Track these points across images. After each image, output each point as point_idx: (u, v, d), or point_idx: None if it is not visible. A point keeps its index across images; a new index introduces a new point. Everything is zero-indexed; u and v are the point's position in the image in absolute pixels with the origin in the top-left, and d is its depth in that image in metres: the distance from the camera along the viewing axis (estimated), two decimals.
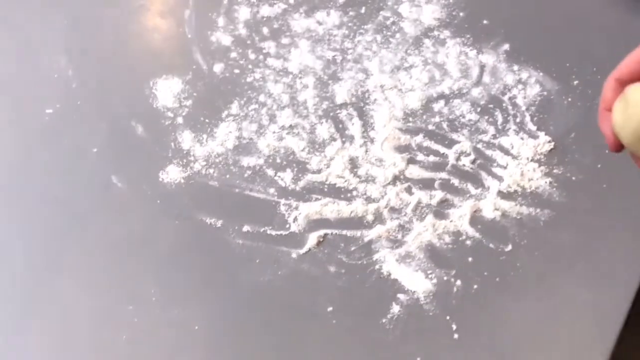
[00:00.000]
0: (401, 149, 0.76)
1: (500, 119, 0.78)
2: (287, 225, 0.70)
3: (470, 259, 0.69)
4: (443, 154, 0.76)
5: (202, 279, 0.67)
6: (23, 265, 0.68)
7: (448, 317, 0.66)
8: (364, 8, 0.85)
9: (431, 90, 0.80)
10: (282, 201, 0.72)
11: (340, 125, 0.77)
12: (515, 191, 0.73)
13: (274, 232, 0.70)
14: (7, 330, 0.64)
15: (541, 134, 0.76)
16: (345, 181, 0.73)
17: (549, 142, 0.76)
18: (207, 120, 0.76)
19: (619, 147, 0.55)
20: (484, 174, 0.74)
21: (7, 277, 0.67)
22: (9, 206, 0.71)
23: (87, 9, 0.84)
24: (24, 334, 0.65)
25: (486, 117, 0.78)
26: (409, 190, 0.73)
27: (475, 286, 0.67)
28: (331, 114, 0.78)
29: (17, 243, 0.69)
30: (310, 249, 0.69)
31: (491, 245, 0.70)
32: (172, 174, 0.73)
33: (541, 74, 0.81)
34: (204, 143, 0.75)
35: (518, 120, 0.78)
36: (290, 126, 0.77)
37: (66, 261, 0.68)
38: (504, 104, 0.79)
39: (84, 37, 0.82)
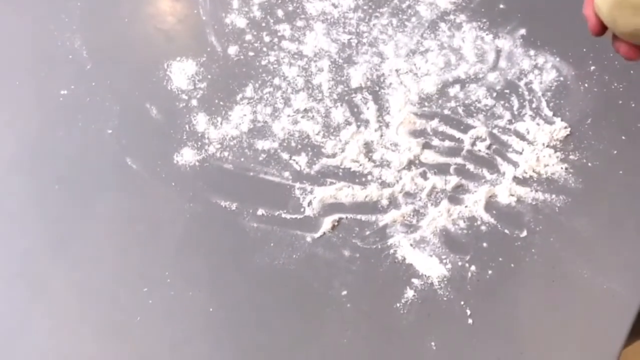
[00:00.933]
0: (416, 133, 0.75)
1: (516, 104, 0.77)
2: (302, 209, 0.70)
3: (485, 244, 0.69)
4: (458, 138, 0.75)
5: (217, 262, 0.67)
6: (38, 245, 0.68)
7: (462, 303, 0.65)
8: None
9: (447, 75, 0.79)
10: (297, 185, 0.72)
11: (356, 109, 0.76)
12: (531, 177, 0.73)
13: (288, 216, 0.70)
14: (21, 310, 0.65)
15: (557, 120, 0.76)
16: (360, 165, 0.73)
17: (565, 127, 0.75)
18: (221, 103, 0.76)
19: (600, 29, 0.56)
20: (499, 160, 0.74)
21: (22, 258, 0.67)
22: (24, 188, 0.71)
23: None
24: (39, 314, 0.65)
25: (502, 102, 0.77)
26: (424, 175, 0.73)
27: (489, 272, 0.67)
28: (346, 97, 0.77)
29: (31, 225, 0.69)
30: (324, 233, 0.69)
31: (506, 231, 0.69)
32: (187, 156, 0.73)
33: (558, 59, 0.80)
34: (219, 126, 0.75)
35: (534, 105, 0.77)
36: (305, 110, 0.76)
37: (80, 242, 0.68)
38: (520, 89, 0.78)
39: (98, 19, 0.81)
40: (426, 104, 0.77)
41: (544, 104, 0.77)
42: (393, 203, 0.71)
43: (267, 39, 0.81)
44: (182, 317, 0.64)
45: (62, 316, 0.65)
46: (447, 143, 0.75)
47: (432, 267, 0.67)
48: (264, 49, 0.80)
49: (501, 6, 0.84)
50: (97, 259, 0.67)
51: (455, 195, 0.72)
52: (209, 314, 0.64)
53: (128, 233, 0.69)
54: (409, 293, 0.66)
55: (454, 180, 0.72)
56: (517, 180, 0.73)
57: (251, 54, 0.80)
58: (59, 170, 0.72)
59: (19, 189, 0.71)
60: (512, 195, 0.72)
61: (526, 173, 0.73)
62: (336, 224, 0.70)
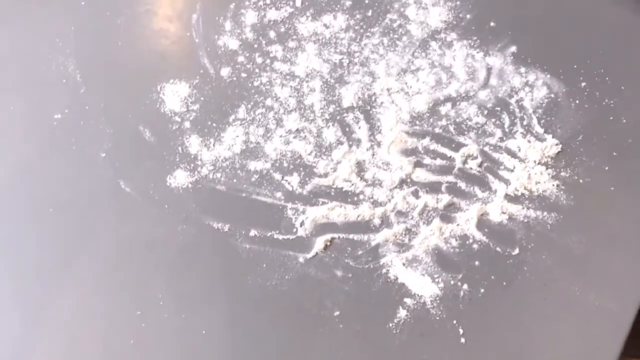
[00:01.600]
0: (408, 152, 0.76)
1: (507, 122, 0.78)
2: (294, 230, 0.70)
3: (477, 262, 0.69)
4: (450, 157, 0.76)
5: (210, 284, 0.67)
6: (31, 269, 0.68)
7: (455, 322, 0.66)
8: (370, 11, 0.85)
9: (438, 93, 0.80)
10: (289, 205, 0.72)
11: (347, 129, 0.77)
12: (523, 194, 0.73)
13: (280, 237, 0.70)
14: (16, 334, 0.65)
15: (548, 137, 0.76)
16: (352, 185, 0.73)
17: (556, 144, 0.76)
18: (214, 125, 0.77)
19: None
20: (491, 177, 0.74)
21: (16, 281, 0.68)
22: (18, 211, 0.71)
23: (94, 14, 0.84)
24: (32, 338, 0.65)
25: (493, 120, 0.78)
26: (415, 194, 0.73)
27: (482, 290, 0.67)
28: (338, 117, 0.78)
29: (25, 247, 0.69)
30: (317, 253, 0.69)
31: (498, 249, 0.70)
32: (180, 178, 0.73)
33: (548, 76, 0.81)
34: (211, 147, 0.75)
35: (525, 123, 0.77)
36: (297, 130, 0.77)
37: (74, 266, 0.68)
38: (511, 107, 0.79)
39: (91, 42, 0.82)
40: (417, 122, 0.78)
41: (535, 121, 0.78)
42: (385, 222, 0.71)
43: (259, 60, 0.82)
44: (175, 339, 0.64)
45: (56, 340, 0.65)
46: (438, 161, 0.75)
47: (424, 287, 0.68)
48: (256, 70, 0.81)
49: (492, 24, 0.85)
50: (91, 283, 0.67)
51: (447, 214, 0.72)
52: (202, 336, 0.65)
53: (121, 256, 0.69)
54: (402, 313, 0.66)
55: (445, 198, 0.73)
56: (508, 197, 0.73)
57: (243, 75, 0.81)
58: (53, 194, 0.72)
59: (13, 212, 0.72)
60: (504, 213, 0.72)
61: (518, 190, 0.73)
62: (328, 243, 0.70)
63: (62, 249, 0.69)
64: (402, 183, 0.74)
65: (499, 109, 0.79)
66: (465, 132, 0.77)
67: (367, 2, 0.86)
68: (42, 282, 0.67)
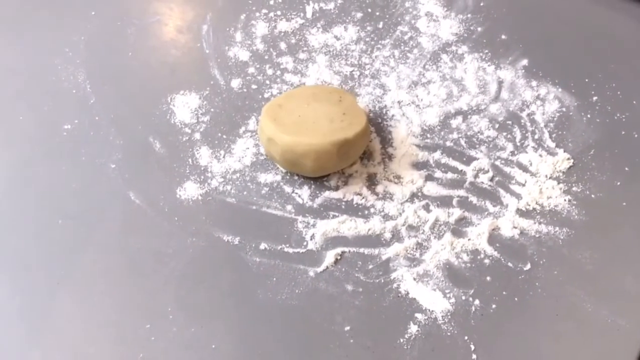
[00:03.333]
0: (419, 165, 0.75)
1: (518, 136, 0.77)
2: (305, 243, 0.70)
3: (488, 278, 0.69)
4: (461, 170, 0.75)
5: (219, 297, 0.67)
6: (39, 281, 0.68)
7: (466, 338, 0.65)
8: (381, 23, 0.85)
9: (449, 106, 0.79)
10: (300, 218, 0.72)
11: None
12: (534, 209, 0.73)
13: (291, 250, 0.70)
14: (22, 347, 0.65)
15: (560, 151, 0.76)
16: (363, 198, 0.73)
17: (568, 159, 0.75)
18: (224, 136, 0.76)
19: None
20: (502, 192, 0.74)
21: (24, 293, 0.67)
22: (26, 222, 0.71)
23: (104, 25, 0.84)
24: (39, 351, 0.65)
25: (504, 134, 0.78)
26: (426, 208, 0.73)
27: (493, 306, 0.67)
28: None
29: (34, 259, 0.69)
30: (327, 267, 0.69)
31: (510, 264, 0.69)
32: (190, 190, 0.73)
33: (560, 89, 0.80)
34: (222, 159, 0.75)
35: (536, 136, 0.77)
36: None
37: (82, 278, 0.68)
38: (522, 120, 0.78)
39: (101, 53, 0.82)
40: (428, 135, 0.77)
41: (546, 135, 0.77)
42: (396, 236, 0.71)
43: (269, 71, 0.82)
44: (184, 353, 0.64)
45: (63, 353, 0.64)
46: (449, 175, 0.75)
47: (435, 302, 0.67)
48: (267, 82, 0.81)
49: (503, 37, 0.84)
50: (100, 295, 0.67)
51: (459, 228, 0.72)
52: (211, 350, 0.64)
53: (130, 268, 0.69)
54: (413, 328, 0.66)
55: (457, 212, 0.72)
56: (520, 212, 0.72)
57: (254, 86, 0.80)
58: (63, 205, 0.72)
59: (22, 223, 0.71)
60: (515, 227, 0.71)
61: (529, 205, 0.73)
62: (339, 257, 0.70)
63: (70, 261, 0.69)
64: (413, 197, 0.73)
65: (510, 122, 0.78)
66: (477, 146, 0.77)
67: (378, 14, 0.86)
68: (50, 294, 0.67)
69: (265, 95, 0.79)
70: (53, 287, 0.67)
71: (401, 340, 0.65)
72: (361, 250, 0.70)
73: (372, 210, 0.72)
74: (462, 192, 0.74)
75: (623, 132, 0.78)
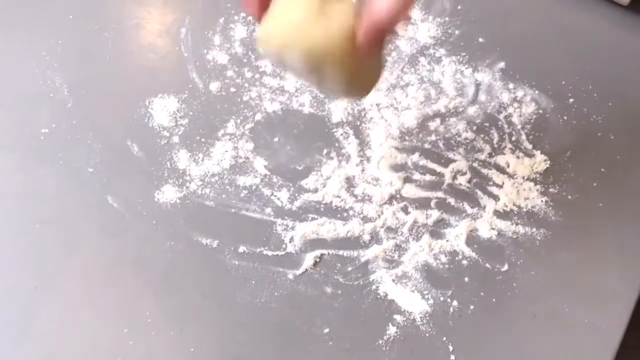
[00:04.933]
0: (397, 167, 0.76)
1: (496, 138, 0.78)
2: (284, 246, 0.70)
3: (466, 279, 0.69)
4: (439, 172, 0.76)
5: (198, 301, 0.67)
6: (17, 286, 0.67)
7: (444, 339, 0.65)
8: None
9: (427, 109, 0.80)
10: (279, 221, 0.72)
11: (337, 144, 0.77)
12: (512, 210, 0.73)
13: (270, 253, 0.70)
14: (1, 354, 0.64)
15: (537, 153, 0.77)
16: (342, 200, 0.73)
17: (545, 160, 0.76)
18: (203, 140, 0.76)
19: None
20: (480, 193, 0.74)
21: (1, 297, 0.67)
22: (4, 226, 0.71)
23: (82, 28, 0.84)
24: (16, 356, 0.64)
25: (482, 136, 0.78)
26: (405, 210, 0.73)
27: (471, 307, 0.67)
28: (327, 132, 0.78)
29: (10, 264, 0.69)
30: (306, 270, 0.69)
31: (487, 265, 0.70)
32: (168, 194, 0.73)
33: (537, 92, 0.81)
34: (200, 162, 0.75)
35: (514, 138, 0.78)
36: None
37: (60, 282, 0.67)
38: (499, 123, 0.79)
39: (79, 56, 0.82)
40: (407, 138, 0.78)
41: (523, 137, 0.78)
42: (375, 238, 0.71)
43: (248, 74, 0.82)
44: (163, 357, 0.64)
45: (42, 357, 0.64)
46: (428, 177, 0.75)
47: (414, 303, 0.67)
48: (246, 85, 0.81)
49: (480, 40, 0.85)
50: (78, 299, 0.67)
51: (437, 230, 0.72)
52: (190, 353, 0.64)
53: (109, 272, 0.68)
54: (392, 330, 0.66)
55: (435, 214, 0.73)
56: (497, 213, 0.73)
57: (233, 89, 0.80)
58: (40, 210, 0.72)
59: (0, 228, 0.71)
60: (493, 229, 0.72)
61: (507, 206, 0.73)
62: (318, 260, 0.70)
63: (48, 265, 0.68)
64: (392, 199, 0.74)
65: (487, 124, 0.79)
66: (455, 148, 0.77)
67: None
68: (27, 298, 0.67)
69: (244, 98, 0.79)
70: (31, 291, 0.67)
71: (380, 342, 0.65)
72: (340, 252, 0.70)
73: (350, 212, 0.73)
74: (440, 194, 0.74)
75: (599, 134, 0.78)
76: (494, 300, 0.68)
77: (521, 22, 0.87)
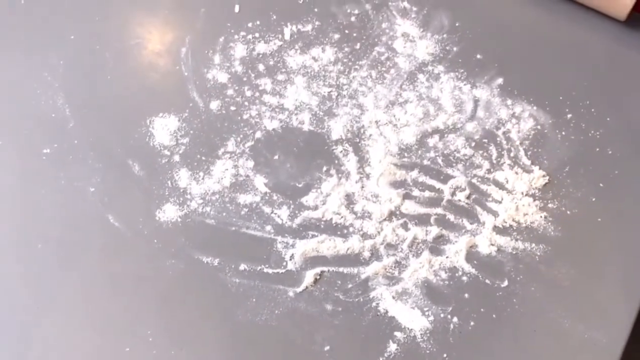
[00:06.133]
0: (397, 184, 0.76)
1: (494, 154, 0.78)
2: (284, 263, 0.70)
3: (466, 295, 0.69)
4: (438, 189, 0.76)
5: (199, 319, 0.67)
6: (18, 306, 0.68)
7: (445, 355, 0.66)
8: (358, 44, 0.86)
9: (426, 126, 0.80)
10: (279, 239, 0.72)
11: (336, 161, 0.77)
12: (511, 226, 0.74)
13: (270, 271, 0.70)
14: None
15: (535, 168, 0.77)
16: (342, 217, 0.74)
17: (544, 176, 0.76)
18: (203, 158, 0.77)
19: None
20: (479, 209, 0.75)
21: (3, 317, 0.67)
22: (6, 247, 0.71)
23: (83, 48, 0.85)
24: None
25: (480, 152, 0.78)
26: (404, 226, 0.73)
27: (472, 323, 0.67)
28: (327, 149, 0.78)
29: (12, 283, 0.69)
30: (307, 287, 0.69)
31: (487, 281, 0.70)
32: (169, 212, 0.73)
33: (535, 107, 0.81)
34: (201, 181, 0.75)
35: (512, 154, 0.78)
36: None
37: (62, 302, 0.68)
38: (498, 139, 0.79)
39: (80, 76, 0.82)
40: (406, 154, 0.78)
41: (522, 152, 0.78)
42: (375, 255, 0.71)
43: (248, 93, 0.82)
44: None
45: None
46: (427, 193, 0.76)
47: (414, 320, 0.68)
48: (246, 103, 0.81)
49: (478, 56, 0.85)
50: (80, 319, 0.67)
51: (436, 246, 0.72)
52: None
53: (110, 291, 0.69)
54: (392, 347, 0.66)
55: (434, 230, 0.73)
56: (497, 229, 0.73)
57: (233, 108, 0.81)
58: (42, 229, 0.72)
59: (1, 248, 0.71)
60: (493, 244, 0.72)
61: (506, 222, 0.74)
62: (318, 277, 0.70)
63: (50, 285, 0.69)
64: (391, 215, 0.74)
65: (486, 140, 0.79)
66: (454, 164, 0.78)
67: (355, 35, 0.87)
68: (29, 318, 0.67)
69: (244, 117, 0.80)
70: (33, 311, 0.67)
71: (380, 359, 0.65)
72: (340, 269, 0.70)
73: (350, 229, 0.73)
74: (439, 210, 0.75)
75: (597, 149, 0.79)
76: (494, 316, 0.68)
77: (519, 38, 0.88)
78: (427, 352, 0.66)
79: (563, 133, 0.80)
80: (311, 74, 0.84)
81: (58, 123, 0.79)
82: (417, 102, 0.82)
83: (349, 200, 0.75)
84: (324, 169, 0.77)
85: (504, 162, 0.78)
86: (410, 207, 0.75)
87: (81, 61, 0.84)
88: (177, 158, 0.77)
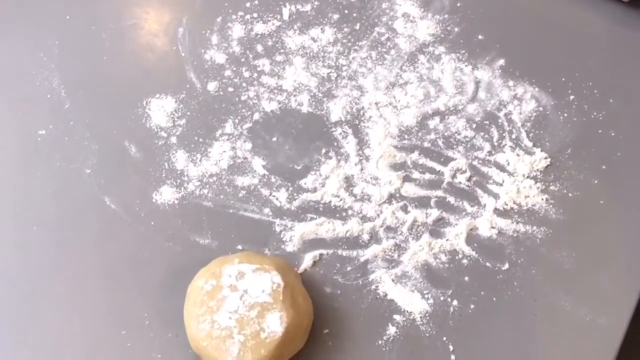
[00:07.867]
0: (397, 166, 0.75)
1: (496, 136, 0.77)
2: (283, 246, 0.70)
3: (466, 278, 0.68)
4: (439, 171, 0.75)
5: None
6: (15, 288, 0.67)
7: (445, 338, 0.65)
8: (358, 24, 0.85)
9: (426, 107, 0.79)
10: (277, 221, 0.71)
11: (335, 143, 0.76)
12: (512, 208, 0.73)
13: (269, 253, 0.69)
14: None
15: (537, 150, 0.76)
16: (341, 200, 0.73)
17: (545, 158, 0.76)
18: (201, 140, 0.76)
19: None
20: (479, 192, 0.74)
21: None
22: (1, 229, 0.70)
23: (79, 29, 0.83)
24: (19, 358, 0.64)
25: (482, 134, 0.77)
26: (404, 209, 0.73)
27: (472, 306, 0.67)
28: (326, 131, 0.77)
29: (8, 265, 0.68)
30: (305, 270, 0.68)
31: (488, 264, 0.69)
32: (166, 194, 0.72)
33: (537, 89, 0.80)
34: (198, 163, 0.74)
35: (514, 136, 0.77)
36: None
37: (58, 284, 0.67)
38: (499, 120, 0.78)
39: (76, 57, 0.81)
40: (406, 136, 0.77)
41: (523, 134, 0.77)
42: (374, 238, 0.71)
43: (246, 74, 0.81)
44: (161, 359, 0.63)
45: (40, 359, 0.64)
46: (427, 176, 0.75)
47: (414, 303, 0.67)
48: (244, 84, 0.80)
49: (480, 37, 0.84)
50: (75, 301, 0.66)
51: (436, 229, 0.71)
52: (188, 355, 0.63)
53: (106, 274, 0.68)
54: (391, 330, 0.65)
55: (434, 213, 0.72)
56: (498, 212, 0.72)
57: (230, 89, 0.80)
58: (37, 211, 0.71)
59: None
60: (493, 227, 0.71)
61: (507, 205, 0.73)
62: (317, 260, 0.69)
63: (45, 267, 0.68)
64: (391, 198, 0.73)
65: (487, 122, 0.78)
66: (454, 146, 0.77)
67: (355, 15, 0.86)
68: (25, 301, 0.66)
69: (242, 98, 0.79)
70: (29, 294, 0.67)
71: (380, 342, 0.65)
72: (339, 252, 0.70)
73: (350, 212, 0.72)
74: (439, 193, 0.74)
75: (600, 131, 0.78)
76: (494, 299, 0.67)
77: (521, 19, 0.87)
78: (427, 335, 0.65)
79: (565, 115, 0.79)
80: (310, 55, 0.83)
81: (54, 104, 0.78)
82: (418, 83, 0.81)
83: (348, 182, 0.74)
84: (323, 151, 0.76)
85: (506, 144, 0.77)
86: (410, 189, 0.74)
87: (77, 42, 0.83)
88: (174, 140, 0.76)
